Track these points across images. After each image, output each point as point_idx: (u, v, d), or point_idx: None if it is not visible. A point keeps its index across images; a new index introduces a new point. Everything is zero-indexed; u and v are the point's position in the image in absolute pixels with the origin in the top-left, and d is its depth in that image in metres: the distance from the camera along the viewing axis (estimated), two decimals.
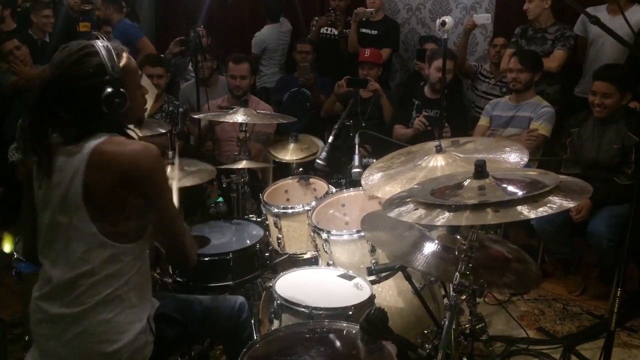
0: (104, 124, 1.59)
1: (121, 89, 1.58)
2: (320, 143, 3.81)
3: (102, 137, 1.56)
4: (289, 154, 3.29)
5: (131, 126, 1.74)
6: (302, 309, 1.94)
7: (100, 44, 1.59)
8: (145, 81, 2.27)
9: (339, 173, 3.52)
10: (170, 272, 2.46)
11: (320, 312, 1.92)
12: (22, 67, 4.04)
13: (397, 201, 1.61)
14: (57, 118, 1.56)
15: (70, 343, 1.58)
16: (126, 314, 1.61)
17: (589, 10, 3.72)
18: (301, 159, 3.30)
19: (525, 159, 1.91)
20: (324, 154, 2.80)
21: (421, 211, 1.48)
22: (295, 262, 2.78)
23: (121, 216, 1.56)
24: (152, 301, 1.76)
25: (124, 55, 1.63)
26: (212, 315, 1.95)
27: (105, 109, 1.57)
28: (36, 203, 1.63)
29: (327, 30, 5.08)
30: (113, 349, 1.58)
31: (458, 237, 1.80)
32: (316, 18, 5.22)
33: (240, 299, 2.06)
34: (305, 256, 2.75)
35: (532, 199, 1.38)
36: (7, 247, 2.81)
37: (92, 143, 1.54)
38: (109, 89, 1.56)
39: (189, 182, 2.72)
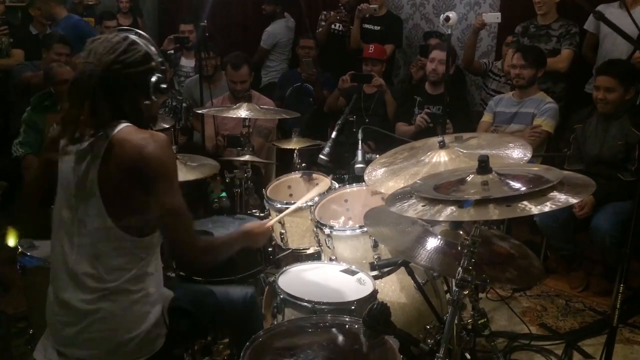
0: (133, 113, 1.63)
1: (165, 76, 1.65)
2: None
3: (119, 126, 1.58)
4: (292, 145, 3.31)
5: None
6: (305, 304, 1.94)
7: (133, 36, 1.64)
8: None
9: (341, 169, 3.52)
10: (174, 266, 2.47)
11: (323, 307, 1.92)
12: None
13: (400, 196, 1.61)
14: (102, 104, 1.56)
15: (86, 330, 1.60)
16: (142, 304, 1.64)
17: (601, 7, 3.70)
18: (305, 147, 3.31)
19: (529, 155, 1.91)
20: (327, 150, 2.80)
21: (424, 206, 1.48)
22: (298, 257, 2.79)
23: (133, 207, 1.58)
24: (165, 292, 1.78)
25: (153, 48, 1.68)
26: (223, 307, 1.96)
27: (153, 95, 1.64)
28: (58, 190, 1.66)
29: (334, 26, 5.09)
30: (127, 337, 1.61)
31: (461, 232, 1.80)
32: (324, 12, 5.22)
33: (251, 289, 2.08)
34: (308, 251, 2.76)
35: (535, 195, 1.38)
36: (11, 242, 2.82)
37: (110, 132, 1.57)
38: (157, 76, 1.64)
39: (192, 176, 2.72)
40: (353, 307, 1.92)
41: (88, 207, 1.58)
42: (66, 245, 1.63)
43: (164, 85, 1.66)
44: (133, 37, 1.64)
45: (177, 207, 1.58)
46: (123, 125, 1.59)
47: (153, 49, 1.66)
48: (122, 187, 1.56)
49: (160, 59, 1.67)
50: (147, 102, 1.66)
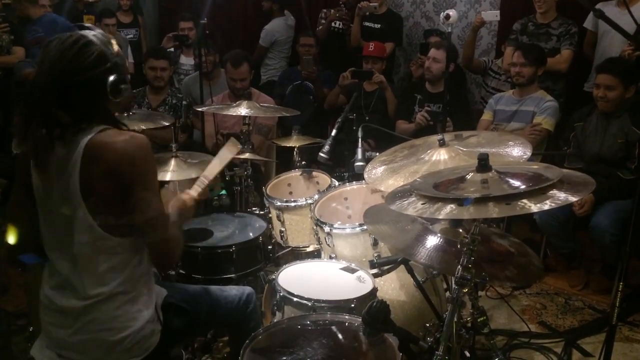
0: (100, 115, 1.58)
1: (123, 75, 1.58)
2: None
3: (95, 130, 1.54)
4: (292, 143, 3.31)
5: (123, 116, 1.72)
6: (305, 302, 1.94)
7: (90, 33, 1.57)
8: None
9: (341, 167, 3.52)
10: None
11: (322, 305, 1.92)
12: None
13: (399, 194, 1.61)
14: (57, 113, 1.52)
15: (79, 332, 1.60)
16: (134, 304, 1.63)
17: (599, 5, 3.70)
18: (305, 144, 3.31)
19: (529, 153, 1.91)
20: (327, 148, 2.80)
21: (424, 204, 1.48)
22: (297, 255, 2.79)
23: (118, 209, 1.55)
24: (158, 290, 1.77)
25: (113, 41, 1.62)
26: (219, 306, 1.96)
27: (111, 96, 1.56)
28: (36, 196, 1.63)
29: (334, 23, 5.09)
30: (121, 336, 1.60)
31: (460, 230, 1.80)
32: (324, 10, 5.21)
33: (248, 289, 2.07)
34: (308, 249, 2.76)
35: (535, 193, 1.38)
36: (11, 239, 2.82)
37: (87, 136, 1.53)
38: (114, 76, 1.56)
39: (191, 174, 2.72)
40: (353, 305, 1.92)
41: (73, 214, 1.54)
42: (57, 254, 1.62)
43: (123, 86, 1.58)
44: (90, 36, 1.55)
45: (156, 215, 1.57)
46: (98, 128, 1.55)
47: (111, 48, 1.58)
48: (105, 190, 1.52)
49: (116, 58, 1.57)
50: (111, 101, 1.59)
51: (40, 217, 1.65)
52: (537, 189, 1.39)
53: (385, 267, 2.07)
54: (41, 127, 1.52)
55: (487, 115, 3.84)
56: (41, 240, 1.66)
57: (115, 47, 1.60)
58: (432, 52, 3.98)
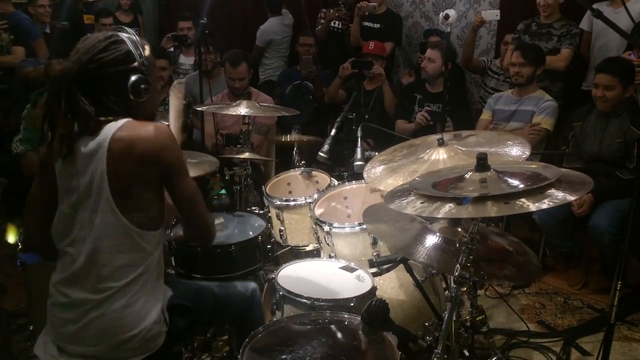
0: (122, 111, 1.62)
1: (147, 77, 1.63)
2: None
3: (118, 123, 1.57)
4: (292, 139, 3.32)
5: None
6: (304, 301, 1.95)
7: (124, 35, 1.63)
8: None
9: (341, 166, 3.53)
10: (172, 263, 2.47)
11: (322, 304, 1.93)
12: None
13: (398, 194, 1.62)
14: (81, 105, 1.55)
15: (88, 327, 1.60)
16: (144, 301, 1.64)
17: (593, 6, 3.72)
18: (304, 141, 3.31)
19: (527, 153, 1.92)
20: (326, 147, 2.81)
21: (423, 203, 1.48)
22: (297, 254, 2.80)
23: (145, 202, 1.59)
24: (165, 289, 1.78)
25: (147, 47, 1.67)
26: (223, 303, 1.97)
27: (132, 95, 1.61)
28: (59, 189, 1.64)
29: (333, 23, 5.09)
30: (128, 335, 1.61)
31: (459, 229, 1.80)
32: (324, 10, 5.22)
33: (252, 284, 2.09)
34: (307, 248, 2.76)
35: (533, 192, 1.39)
36: (12, 238, 2.83)
37: (110, 130, 1.56)
38: (137, 76, 1.61)
39: (191, 173, 2.72)
40: (352, 304, 1.93)
41: (98, 206, 1.56)
42: (74, 247, 1.62)
43: (143, 86, 1.62)
44: (123, 35, 1.62)
45: (195, 192, 1.69)
46: (123, 120, 1.59)
47: (142, 51, 1.63)
48: (133, 181, 1.56)
49: (142, 60, 1.62)
50: (136, 100, 1.63)
51: (59, 210, 1.65)
52: (536, 188, 1.39)
53: (385, 266, 2.07)
54: (67, 113, 1.55)
55: (486, 115, 3.85)
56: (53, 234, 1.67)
57: (147, 52, 1.66)
58: (428, 52, 4.01)
